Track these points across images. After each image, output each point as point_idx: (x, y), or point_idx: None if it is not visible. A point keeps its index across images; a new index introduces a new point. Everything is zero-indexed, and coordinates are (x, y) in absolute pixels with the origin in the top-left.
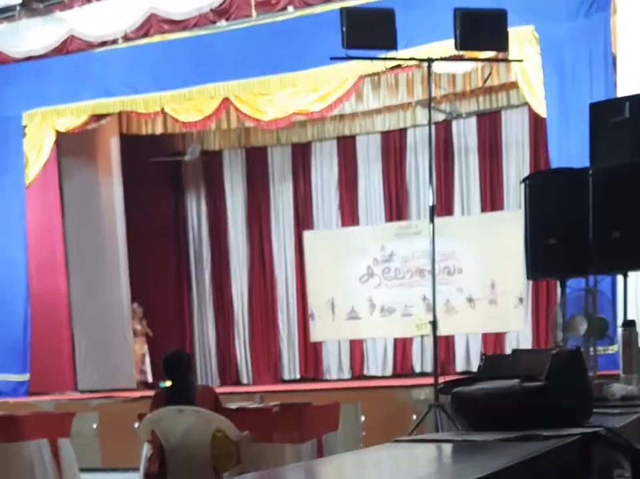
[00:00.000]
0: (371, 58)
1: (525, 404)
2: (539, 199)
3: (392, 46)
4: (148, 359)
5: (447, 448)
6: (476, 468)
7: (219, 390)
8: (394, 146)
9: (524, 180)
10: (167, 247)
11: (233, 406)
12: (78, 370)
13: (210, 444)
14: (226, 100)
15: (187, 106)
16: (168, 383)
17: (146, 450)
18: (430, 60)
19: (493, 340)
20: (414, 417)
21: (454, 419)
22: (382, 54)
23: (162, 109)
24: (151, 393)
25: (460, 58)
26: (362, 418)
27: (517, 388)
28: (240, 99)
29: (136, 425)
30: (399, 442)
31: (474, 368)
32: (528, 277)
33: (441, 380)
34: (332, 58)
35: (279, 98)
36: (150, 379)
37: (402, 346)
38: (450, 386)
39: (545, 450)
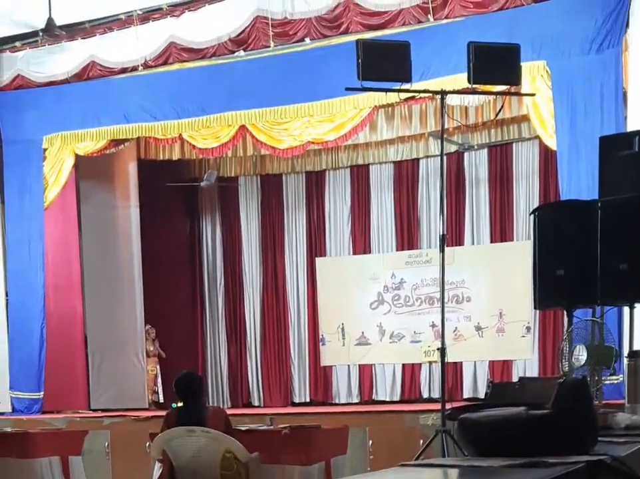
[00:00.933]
0: (386, 90)
1: (531, 431)
2: (549, 230)
3: (407, 78)
4: (159, 380)
5: (453, 472)
6: None
7: (230, 411)
8: (406, 175)
9: (534, 211)
10: (181, 271)
11: (243, 427)
12: (92, 389)
13: (220, 465)
14: (243, 127)
15: (204, 133)
16: (180, 404)
17: (157, 469)
18: (443, 93)
19: (501, 367)
20: (421, 442)
21: (461, 445)
22: (397, 86)
23: (180, 135)
24: (163, 413)
25: (473, 92)
26: (370, 442)
27: (524, 415)
28: (257, 127)
29: (147, 444)
30: (405, 466)
31: (481, 395)
32: (536, 307)
33: (448, 406)
34: (347, 89)
35: (294, 127)
36: (161, 399)
37: (410, 372)
38: (457, 412)
39: (550, 476)
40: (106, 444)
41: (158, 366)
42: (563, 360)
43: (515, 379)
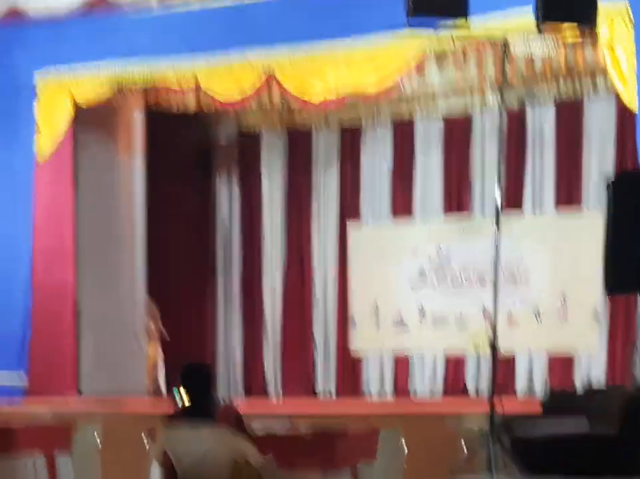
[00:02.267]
0: (437, 28)
1: (594, 453)
2: (625, 203)
3: (463, 12)
4: (161, 364)
5: None
6: None
7: (244, 402)
8: (458, 132)
9: (609, 181)
10: (191, 238)
11: (259, 428)
12: (82, 371)
13: (229, 471)
14: (270, 77)
15: (224, 81)
16: (184, 394)
17: (156, 472)
18: (505, 40)
19: (561, 362)
20: (465, 449)
21: (513, 460)
22: (450, 23)
23: (196, 84)
24: (161, 404)
25: (540, 35)
26: (404, 448)
27: (587, 434)
28: (286, 76)
29: (146, 441)
30: None
31: (537, 392)
32: (606, 291)
33: (497, 405)
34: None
35: (330, 75)
36: (162, 388)
37: (454, 363)
38: (511, 425)
39: None
40: (97, 441)
41: (160, 349)
42: (636, 360)
43: (577, 377)
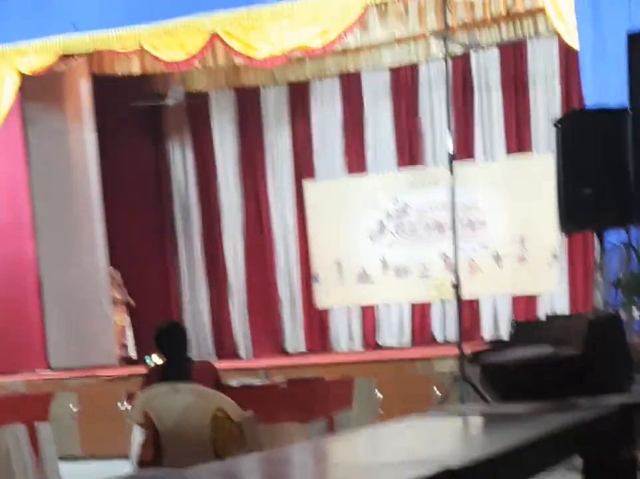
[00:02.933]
0: None
1: (561, 373)
2: (574, 143)
3: None
4: (129, 332)
5: (479, 421)
6: (511, 438)
7: (215, 365)
8: (405, 82)
9: (556, 123)
10: (149, 204)
11: (235, 383)
12: (50, 346)
13: (211, 426)
14: (214, 35)
15: (168, 42)
16: (155, 358)
17: (137, 434)
18: None
19: (524, 303)
20: (437, 391)
21: (485, 391)
22: None
23: (140, 47)
24: (135, 370)
25: None
26: (379, 395)
27: (553, 356)
28: (229, 34)
29: (123, 406)
30: (429, 414)
31: (503, 335)
32: (562, 231)
33: (467, 350)
34: None
35: (273, 32)
36: (132, 354)
37: (420, 312)
38: (480, 355)
39: (584, 419)
40: (73, 408)
41: (127, 317)
42: (596, 292)
43: (541, 315)
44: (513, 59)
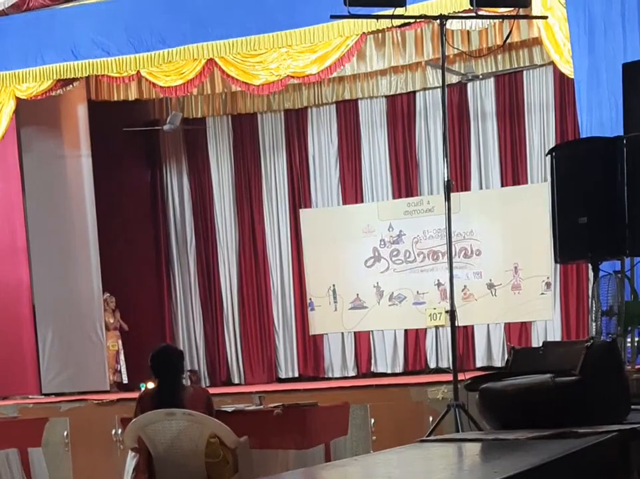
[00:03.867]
0: (377, 17)
1: (559, 400)
2: (568, 172)
3: (400, 3)
4: (122, 357)
5: (477, 447)
6: (510, 466)
7: (209, 391)
8: (401, 111)
9: (550, 151)
10: (144, 228)
11: (229, 408)
12: (43, 371)
13: (204, 452)
14: (211, 61)
15: (165, 68)
16: (150, 384)
17: (130, 459)
18: (443, 18)
19: (518, 331)
20: (431, 419)
21: (482, 417)
22: (389, 11)
23: (137, 72)
24: (127, 395)
25: (476, 16)
26: (372, 421)
27: (551, 384)
28: (227, 61)
29: (116, 432)
30: (425, 441)
31: (497, 363)
32: (556, 261)
33: (461, 377)
34: (332, 17)
35: (270, 59)
36: (125, 379)
37: (414, 339)
38: (477, 382)
39: (581, 447)
40: (65, 433)
41: (120, 342)
42: (591, 321)
43: (535, 344)
44: (509, 88)
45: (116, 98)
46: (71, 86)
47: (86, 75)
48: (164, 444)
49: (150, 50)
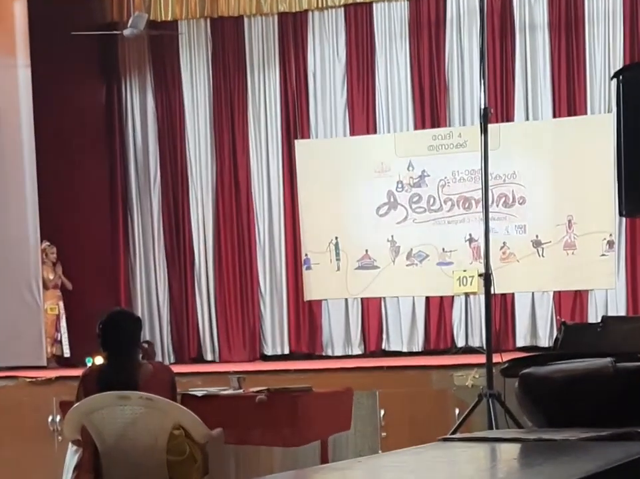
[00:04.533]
0: None
1: (621, 391)
2: (638, 101)
3: None
4: (63, 323)
5: (515, 448)
6: (558, 474)
7: (173, 369)
8: (427, 18)
9: (617, 74)
10: (96, 160)
11: (199, 392)
12: None
13: (166, 447)
14: None
15: None
16: (98, 359)
17: (71, 454)
18: None
19: (571, 301)
20: (457, 411)
21: (523, 411)
22: None
23: None
24: (69, 372)
25: None
26: (382, 412)
27: (611, 370)
28: None
29: (54, 419)
30: (449, 440)
31: (543, 342)
32: (621, 213)
33: (497, 358)
34: None
35: None
36: (66, 352)
37: (437, 309)
38: (517, 366)
39: None
40: None
41: (62, 304)
42: None
43: (592, 319)
44: None
45: None
46: None
47: None
48: (115, 436)
49: None
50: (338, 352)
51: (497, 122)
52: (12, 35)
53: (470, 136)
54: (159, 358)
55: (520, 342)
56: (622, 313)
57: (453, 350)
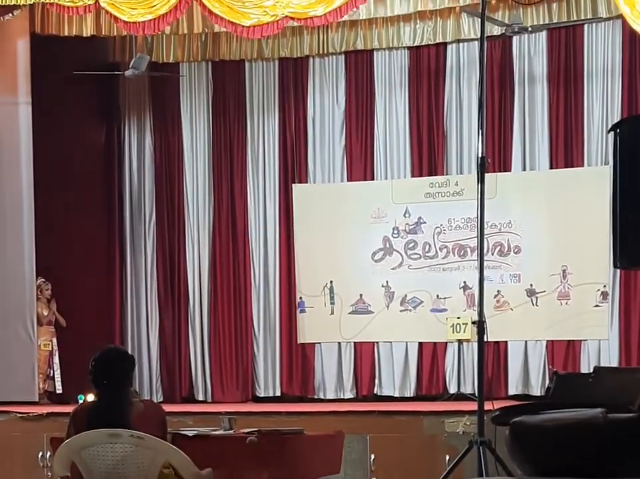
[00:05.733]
0: None
1: (611, 441)
2: (636, 154)
3: None
4: (56, 360)
5: None
6: None
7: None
8: (427, 67)
9: (615, 127)
10: (94, 199)
11: (190, 432)
12: None
13: None
14: None
15: None
16: (90, 397)
17: None
18: None
19: (563, 351)
20: (447, 458)
21: (513, 459)
22: None
23: (96, 2)
24: (60, 409)
25: None
26: (372, 457)
27: (601, 420)
28: None
29: (44, 455)
30: None
31: (535, 391)
32: (616, 265)
33: (488, 406)
34: None
35: None
36: (58, 389)
37: (430, 355)
38: (509, 413)
39: None
40: None
41: (55, 340)
42: None
43: (584, 369)
44: (565, 46)
45: (67, 33)
46: (10, 15)
47: (31, 2)
48: (104, 474)
49: None
50: (330, 396)
51: (494, 171)
52: (14, 72)
53: (466, 185)
54: (147, 396)
55: (512, 391)
56: (614, 363)
57: (445, 396)
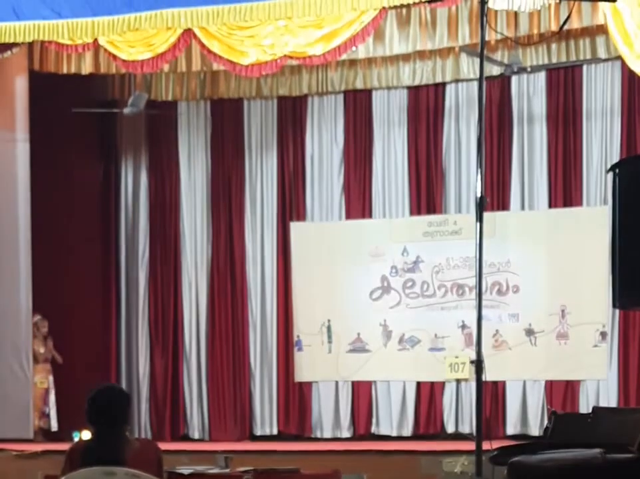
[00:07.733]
0: None
1: None
2: (635, 195)
3: None
4: (52, 397)
5: None
6: None
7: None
8: (426, 107)
9: (614, 167)
10: (90, 236)
11: (185, 470)
12: None
13: None
14: (188, 32)
15: (130, 38)
16: (86, 434)
17: None
18: None
19: (562, 391)
20: None
21: None
22: None
23: (95, 40)
24: (56, 446)
25: None
26: None
27: (600, 460)
28: (208, 33)
29: None
30: None
31: (533, 431)
32: (615, 305)
33: (486, 446)
34: None
35: (264, 34)
36: (54, 426)
37: (428, 395)
38: (508, 453)
39: None
40: None
41: (51, 377)
42: None
43: (583, 409)
44: (564, 86)
45: (65, 71)
46: (9, 52)
47: (30, 40)
48: None
49: (112, 14)
50: (327, 435)
51: (493, 210)
52: (12, 109)
53: (465, 224)
54: (142, 435)
55: (510, 430)
56: (613, 404)
57: (442, 435)
